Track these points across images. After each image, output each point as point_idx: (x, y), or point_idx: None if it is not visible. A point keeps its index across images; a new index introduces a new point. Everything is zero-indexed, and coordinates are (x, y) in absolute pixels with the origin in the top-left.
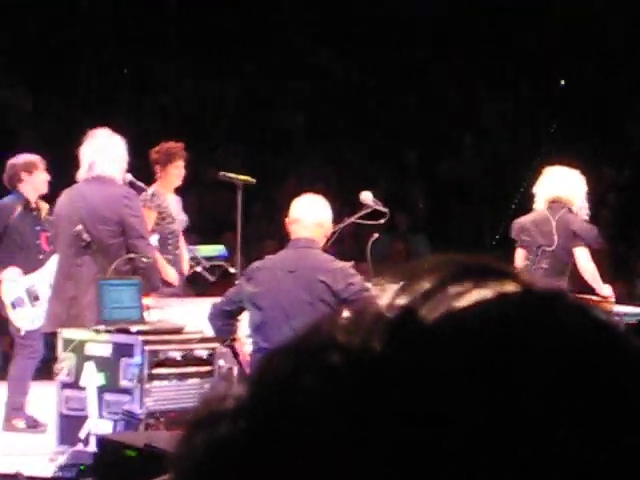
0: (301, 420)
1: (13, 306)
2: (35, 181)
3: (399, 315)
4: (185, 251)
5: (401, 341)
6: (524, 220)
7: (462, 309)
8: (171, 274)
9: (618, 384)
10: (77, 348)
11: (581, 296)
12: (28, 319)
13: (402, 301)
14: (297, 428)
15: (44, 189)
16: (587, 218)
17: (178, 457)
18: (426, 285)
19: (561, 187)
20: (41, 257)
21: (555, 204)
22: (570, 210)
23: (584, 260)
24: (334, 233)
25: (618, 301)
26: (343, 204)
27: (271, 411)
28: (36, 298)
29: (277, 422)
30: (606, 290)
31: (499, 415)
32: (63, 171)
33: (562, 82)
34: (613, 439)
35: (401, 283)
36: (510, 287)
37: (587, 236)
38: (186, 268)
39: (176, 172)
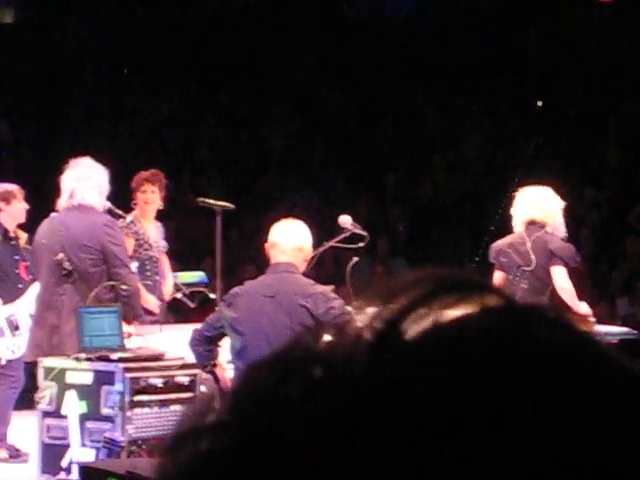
0: (282, 433)
1: None
2: (13, 210)
3: (382, 329)
4: (170, 276)
5: (384, 355)
6: (501, 243)
7: (444, 323)
8: (151, 301)
9: (601, 397)
10: (58, 377)
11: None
12: (9, 349)
13: (385, 316)
14: (278, 441)
15: (22, 218)
16: (564, 236)
17: (161, 474)
18: (408, 300)
19: (535, 208)
20: (20, 286)
21: (531, 225)
22: (546, 230)
23: (561, 279)
24: (314, 257)
25: (599, 321)
26: (323, 228)
27: (252, 425)
28: (16, 328)
29: (259, 436)
30: (584, 308)
31: (482, 430)
32: (43, 200)
33: (539, 103)
34: (596, 451)
35: (383, 299)
36: (491, 301)
37: (564, 255)
38: (169, 293)
39: (142, 197)
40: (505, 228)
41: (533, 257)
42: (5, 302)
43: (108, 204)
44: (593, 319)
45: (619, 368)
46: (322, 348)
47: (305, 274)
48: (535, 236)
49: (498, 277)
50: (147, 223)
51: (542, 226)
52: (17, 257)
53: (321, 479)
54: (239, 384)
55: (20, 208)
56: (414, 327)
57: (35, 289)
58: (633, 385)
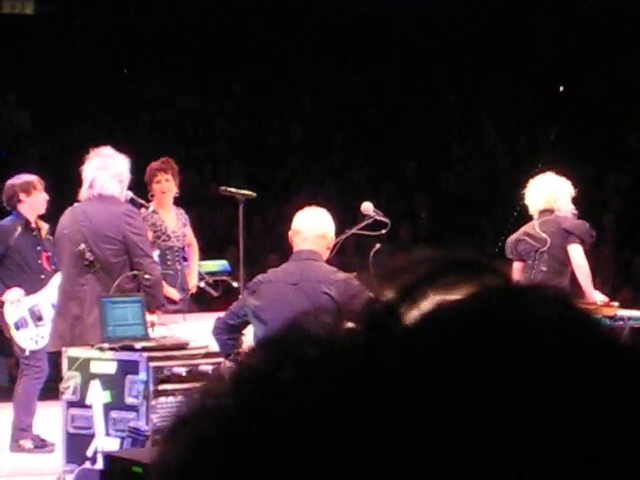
0: (280, 416)
1: (17, 327)
2: (34, 201)
3: (380, 311)
4: (195, 265)
5: (381, 338)
6: (515, 235)
7: (442, 306)
8: (171, 292)
9: (600, 378)
10: (82, 366)
11: (586, 302)
12: (32, 339)
13: (384, 297)
14: (275, 423)
15: (43, 209)
16: (574, 213)
17: (162, 458)
18: (408, 281)
19: (540, 198)
20: (43, 277)
21: (543, 213)
22: (558, 213)
23: (578, 257)
24: (336, 244)
25: (623, 305)
26: (344, 216)
27: (251, 408)
28: (39, 318)
29: (257, 418)
30: (597, 296)
31: (480, 413)
32: (65, 191)
33: (561, 88)
34: (596, 434)
35: (384, 279)
36: (491, 281)
37: (580, 232)
38: (194, 282)
39: (158, 187)
40: (527, 215)
41: (545, 236)
42: (28, 293)
43: (130, 194)
44: (616, 303)
45: (619, 349)
46: (320, 330)
47: (328, 261)
48: (545, 218)
49: (517, 267)
50: (166, 213)
51: (553, 212)
52: (39, 248)
53: (317, 460)
54: (239, 367)
55: (41, 199)
56: (412, 309)
57: (57, 280)
58: (633, 367)
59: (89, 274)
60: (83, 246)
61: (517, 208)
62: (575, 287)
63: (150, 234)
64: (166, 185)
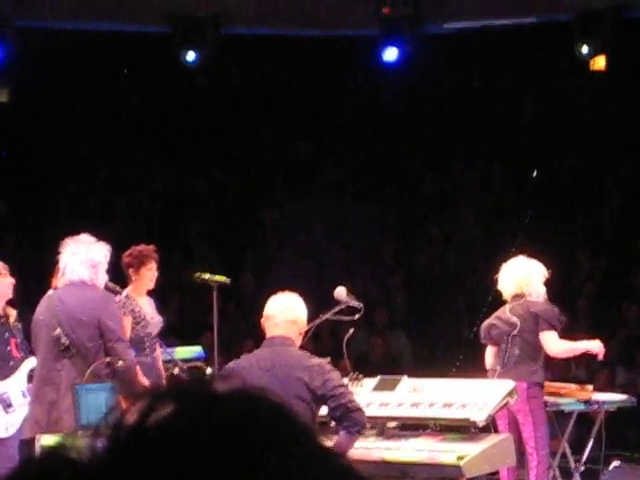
0: None
1: None
2: (0, 287)
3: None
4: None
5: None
6: (489, 320)
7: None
8: (144, 381)
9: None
10: None
11: (560, 385)
12: (3, 427)
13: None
14: None
15: (9, 294)
16: (545, 300)
17: None
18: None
19: (511, 282)
20: (12, 364)
21: (515, 297)
22: (528, 298)
23: (553, 345)
24: (309, 330)
25: (598, 389)
26: (319, 301)
27: None
28: (9, 405)
29: None
30: (595, 345)
31: None
32: (41, 278)
33: (534, 172)
34: None
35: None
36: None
37: (547, 316)
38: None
39: (149, 275)
40: (502, 299)
41: (515, 319)
42: None
43: (106, 279)
44: (591, 387)
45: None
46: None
47: (302, 347)
48: (515, 303)
49: (489, 354)
50: (140, 299)
51: (524, 296)
52: (7, 335)
53: None
54: None
55: (7, 283)
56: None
57: (27, 366)
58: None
59: (65, 359)
60: (59, 330)
61: (492, 292)
62: (550, 370)
63: (129, 320)
64: (155, 273)
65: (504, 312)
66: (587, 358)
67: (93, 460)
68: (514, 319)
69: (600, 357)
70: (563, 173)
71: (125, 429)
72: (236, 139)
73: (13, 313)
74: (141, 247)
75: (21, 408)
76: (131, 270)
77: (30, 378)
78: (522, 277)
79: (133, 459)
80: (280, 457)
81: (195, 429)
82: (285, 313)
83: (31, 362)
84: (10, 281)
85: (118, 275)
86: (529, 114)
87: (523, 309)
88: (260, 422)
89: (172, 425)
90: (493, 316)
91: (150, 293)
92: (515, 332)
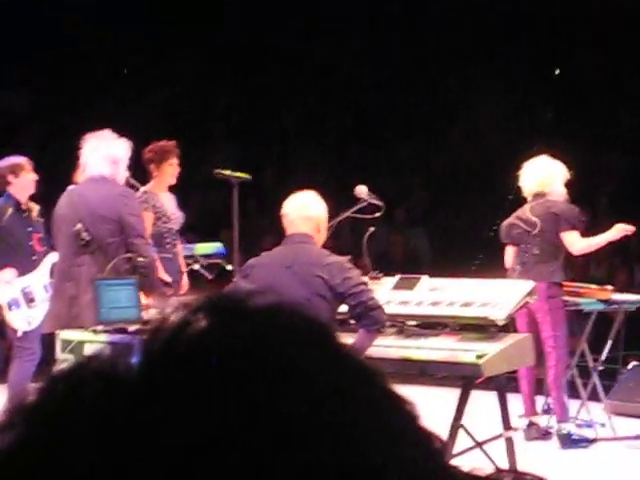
0: (69, 455)
1: (9, 307)
2: (23, 182)
3: (147, 343)
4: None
5: (150, 369)
6: (509, 219)
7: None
8: (164, 276)
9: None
10: (76, 349)
11: (580, 285)
12: (25, 320)
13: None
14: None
15: (32, 189)
16: (566, 199)
17: None
18: (173, 318)
19: (533, 181)
20: (34, 258)
21: (536, 196)
22: (549, 197)
23: (575, 244)
24: (330, 227)
25: (617, 289)
26: (340, 199)
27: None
28: (31, 300)
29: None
30: (615, 233)
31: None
32: (62, 173)
33: (557, 70)
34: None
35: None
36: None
37: (568, 215)
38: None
39: (171, 170)
40: (522, 198)
41: (535, 219)
42: (20, 274)
43: (127, 175)
44: (610, 287)
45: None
46: (97, 362)
47: (323, 245)
48: (535, 203)
49: (509, 254)
50: (162, 194)
51: (545, 196)
52: (30, 229)
53: None
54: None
55: (29, 179)
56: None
57: (49, 260)
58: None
59: (85, 255)
60: (79, 226)
61: (513, 191)
62: (569, 270)
63: (151, 215)
64: (177, 169)
65: (524, 212)
66: (607, 257)
67: (125, 373)
68: (534, 219)
69: (629, 232)
70: (584, 71)
71: (159, 342)
72: (260, 41)
73: (36, 208)
74: (162, 142)
75: (43, 303)
76: (152, 166)
77: (52, 273)
78: (544, 176)
79: (167, 373)
80: (316, 373)
81: (231, 344)
82: (299, 210)
83: (53, 257)
84: (33, 177)
85: (138, 172)
86: (547, 13)
87: (543, 209)
88: (296, 338)
89: (208, 339)
90: (513, 216)
91: (171, 189)
92: (535, 232)
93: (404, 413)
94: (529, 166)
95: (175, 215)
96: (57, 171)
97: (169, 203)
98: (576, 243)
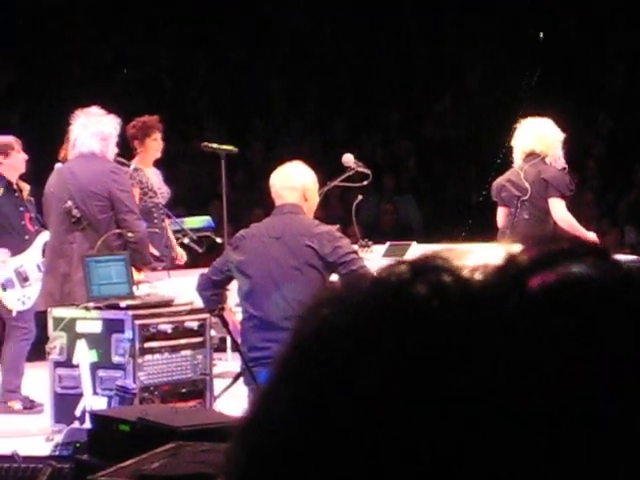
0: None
1: (4, 287)
2: (13, 162)
3: (523, 269)
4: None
5: (515, 296)
6: (500, 179)
7: (568, 280)
8: (153, 250)
9: None
10: (68, 326)
11: None
12: (19, 300)
13: (523, 259)
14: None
15: (22, 169)
16: (563, 167)
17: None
18: (552, 250)
19: (534, 139)
20: (27, 238)
21: (530, 157)
22: (543, 161)
23: (559, 212)
24: (320, 196)
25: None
26: (327, 169)
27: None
28: (25, 279)
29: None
30: (591, 236)
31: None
32: (51, 151)
33: (541, 35)
34: None
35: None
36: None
37: (558, 184)
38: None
39: (155, 145)
40: (510, 161)
41: (527, 185)
42: (13, 254)
43: (116, 151)
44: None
45: None
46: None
47: (314, 214)
48: (528, 165)
49: (500, 215)
50: (148, 170)
51: (541, 157)
52: (22, 209)
53: (430, 384)
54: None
55: (20, 159)
56: (549, 276)
57: (42, 239)
58: None
59: (77, 232)
60: (70, 203)
61: (500, 155)
62: (558, 235)
63: (137, 191)
64: (161, 143)
65: (517, 175)
66: (595, 220)
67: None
68: (526, 185)
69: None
70: (567, 35)
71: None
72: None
73: (26, 188)
74: (144, 118)
75: (37, 282)
76: (136, 142)
77: (44, 252)
78: (544, 135)
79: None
80: None
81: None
82: (284, 181)
83: (45, 236)
84: (23, 156)
85: (124, 148)
86: None
87: (535, 173)
88: None
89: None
90: (504, 177)
91: (157, 164)
92: (525, 197)
93: None
94: (529, 122)
95: (161, 190)
96: (44, 150)
97: (155, 178)
98: (560, 211)
